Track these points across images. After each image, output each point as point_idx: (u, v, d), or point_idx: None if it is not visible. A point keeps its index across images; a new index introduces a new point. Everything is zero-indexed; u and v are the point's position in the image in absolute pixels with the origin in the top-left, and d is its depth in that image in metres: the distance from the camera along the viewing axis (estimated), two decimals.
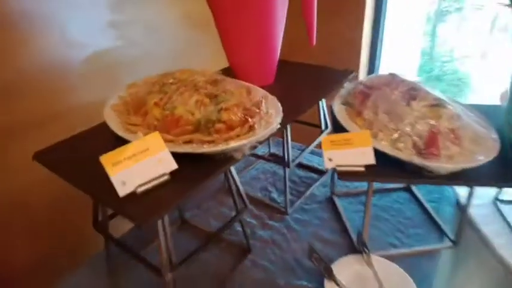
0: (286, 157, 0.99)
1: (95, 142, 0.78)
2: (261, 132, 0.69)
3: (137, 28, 1.30)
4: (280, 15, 0.98)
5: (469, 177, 0.77)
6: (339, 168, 0.81)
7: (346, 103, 1.00)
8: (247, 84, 0.88)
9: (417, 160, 0.76)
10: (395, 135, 0.84)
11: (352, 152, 0.82)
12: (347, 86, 1.05)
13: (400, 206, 1.12)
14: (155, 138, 0.65)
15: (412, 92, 0.87)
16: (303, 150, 1.08)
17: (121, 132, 0.72)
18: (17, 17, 0.98)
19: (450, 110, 0.83)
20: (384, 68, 1.87)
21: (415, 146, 0.81)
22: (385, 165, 0.79)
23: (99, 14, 1.17)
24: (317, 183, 1.21)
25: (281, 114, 0.76)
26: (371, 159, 0.80)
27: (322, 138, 0.84)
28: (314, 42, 1.07)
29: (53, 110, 1.11)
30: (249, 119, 0.69)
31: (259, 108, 0.74)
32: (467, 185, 0.91)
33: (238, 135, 0.68)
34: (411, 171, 0.78)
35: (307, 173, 1.28)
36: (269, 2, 0.92)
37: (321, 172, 1.26)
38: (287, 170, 1.03)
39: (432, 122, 0.81)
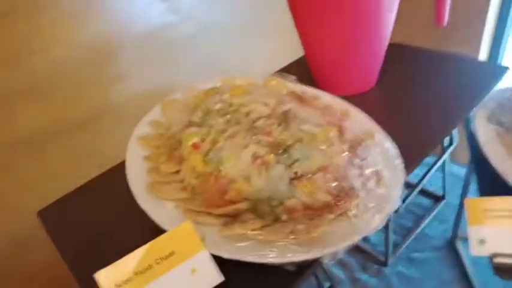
0: None
1: (111, 199, 0.59)
2: (365, 220, 0.42)
3: None
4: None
5: None
6: (497, 260, 0.51)
7: (498, 123, 0.66)
8: (336, 105, 0.59)
9: None
10: None
11: None
12: (497, 92, 0.69)
13: None
14: (186, 231, 0.42)
15: None
16: (414, 187, 0.77)
17: (142, 200, 0.50)
18: None
19: None
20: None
21: None
22: None
23: None
24: (430, 217, 0.90)
25: (402, 178, 0.47)
26: None
27: (467, 201, 0.53)
28: (445, 23, 0.70)
29: (94, 108, 0.95)
30: (343, 202, 0.42)
31: (363, 174, 0.45)
32: None
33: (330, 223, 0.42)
34: None
35: (417, 198, 0.96)
36: None
37: (436, 198, 0.94)
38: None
39: None
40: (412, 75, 0.77)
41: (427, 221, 0.89)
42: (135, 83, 1.03)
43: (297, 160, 0.45)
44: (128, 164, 0.55)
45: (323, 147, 0.47)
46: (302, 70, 0.78)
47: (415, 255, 0.83)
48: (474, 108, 0.67)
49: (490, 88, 0.71)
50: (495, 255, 0.50)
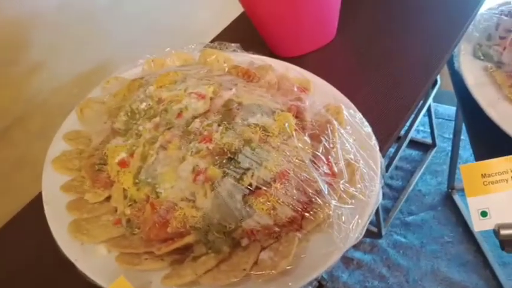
0: None
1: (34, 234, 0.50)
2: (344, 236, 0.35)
3: None
4: None
5: None
6: (504, 232, 0.45)
7: (485, 55, 0.59)
8: (292, 76, 0.50)
9: None
10: None
11: None
12: (482, 17, 0.62)
13: None
14: None
15: None
16: (402, 139, 0.71)
17: (66, 248, 0.41)
18: None
19: None
20: None
21: None
22: None
23: None
24: (421, 170, 0.85)
25: (380, 164, 0.40)
26: None
27: (462, 167, 0.46)
28: None
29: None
30: (312, 214, 0.35)
31: (332, 171, 0.38)
32: None
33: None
34: None
35: (404, 150, 0.90)
36: None
37: (426, 147, 0.88)
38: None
39: None
40: (376, 15, 0.68)
41: (418, 175, 0.84)
42: (58, 70, 0.91)
43: (247, 169, 0.37)
44: (45, 199, 0.46)
45: (278, 143, 0.38)
46: (250, 28, 0.68)
47: (411, 218, 0.78)
48: (460, 40, 0.60)
49: (472, 15, 0.63)
50: (501, 226, 0.45)
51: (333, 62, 0.63)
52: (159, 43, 1.03)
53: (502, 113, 0.51)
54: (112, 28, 0.96)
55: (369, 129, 0.42)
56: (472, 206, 0.44)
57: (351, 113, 0.44)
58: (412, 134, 0.84)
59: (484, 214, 0.45)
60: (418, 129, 0.95)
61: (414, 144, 0.91)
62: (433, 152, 0.88)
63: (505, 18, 0.58)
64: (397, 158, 0.76)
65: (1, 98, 0.84)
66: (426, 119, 0.89)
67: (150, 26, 1.03)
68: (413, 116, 0.79)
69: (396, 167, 0.87)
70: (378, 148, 0.41)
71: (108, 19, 0.93)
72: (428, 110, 0.83)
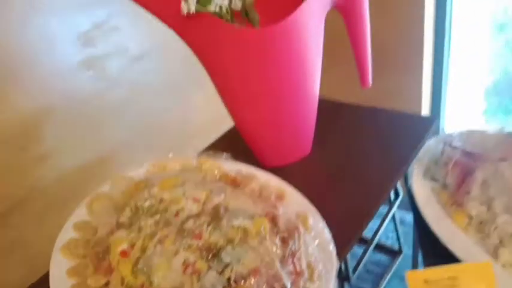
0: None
1: None
2: None
3: (116, 60, 1.06)
4: (314, 57, 0.70)
5: None
6: None
7: (433, 178, 0.71)
8: (271, 185, 0.62)
9: None
10: None
11: None
12: (430, 145, 0.75)
13: None
14: None
15: None
16: (369, 242, 0.81)
17: None
18: None
19: None
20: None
21: None
22: None
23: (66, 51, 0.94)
24: (389, 275, 0.93)
25: (335, 268, 0.49)
26: None
27: (408, 273, 0.56)
28: (370, 83, 0.77)
29: (15, 196, 0.92)
30: None
31: (296, 270, 0.47)
32: None
33: None
34: None
35: (374, 255, 1.00)
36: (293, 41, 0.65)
37: (393, 253, 0.98)
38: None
39: None
40: (348, 135, 0.82)
41: (386, 281, 0.92)
42: (62, 160, 1.01)
43: (228, 264, 0.46)
44: (52, 283, 0.54)
45: (255, 244, 0.48)
46: (238, 138, 0.82)
47: None
48: (413, 163, 0.72)
49: (422, 142, 0.77)
50: None
51: (308, 173, 0.76)
52: (157, 142, 1.16)
53: (445, 230, 0.61)
54: (114, 127, 1.10)
55: (329, 236, 0.52)
56: None
57: (316, 220, 0.54)
58: (380, 240, 0.94)
59: None
60: (388, 235, 1.05)
61: (383, 249, 1.00)
62: (399, 259, 0.97)
63: (448, 148, 0.72)
64: (364, 260, 0.84)
65: (7, 182, 0.92)
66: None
67: (148, 127, 1.17)
68: (379, 222, 0.90)
69: (367, 271, 0.95)
70: (335, 252, 0.51)
71: (111, 119, 1.06)
72: (394, 218, 0.94)
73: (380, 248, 1.01)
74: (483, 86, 1.84)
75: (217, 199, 0.55)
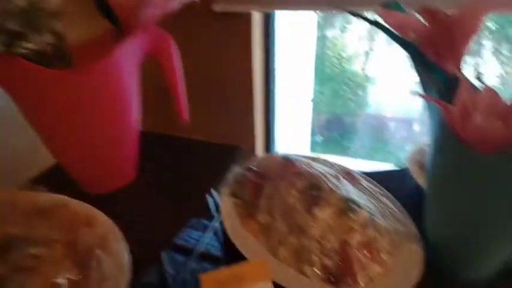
0: None
1: None
2: None
3: None
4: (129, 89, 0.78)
5: None
6: None
7: (235, 195, 0.84)
8: (82, 213, 0.66)
9: None
10: (300, 255, 0.71)
11: None
12: (235, 169, 0.89)
13: None
14: None
15: (314, 193, 0.74)
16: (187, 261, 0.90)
17: None
18: None
19: (361, 215, 0.72)
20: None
21: (324, 269, 0.69)
22: None
23: None
24: None
25: None
26: None
27: (201, 276, 0.66)
28: (187, 116, 0.88)
29: None
30: None
31: None
32: None
33: None
34: None
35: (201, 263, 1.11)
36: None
37: (217, 260, 1.10)
38: None
39: (343, 236, 0.70)
40: (168, 162, 0.92)
41: None
42: None
43: None
44: None
45: (48, 270, 0.52)
46: None
47: None
48: (222, 186, 0.84)
49: (229, 166, 0.90)
50: None
51: (130, 198, 0.82)
52: None
53: (240, 237, 0.74)
54: None
55: (127, 257, 0.59)
56: None
57: (118, 243, 0.61)
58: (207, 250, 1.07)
59: None
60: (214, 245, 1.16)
61: (208, 257, 1.12)
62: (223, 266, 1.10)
63: (246, 171, 0.86)
64: (188, 269, 0.92)
65: None
66: None
67: None
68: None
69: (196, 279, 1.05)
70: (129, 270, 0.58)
71: None
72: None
73: (205, 256, 1.12)
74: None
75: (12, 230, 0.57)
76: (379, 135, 2.58)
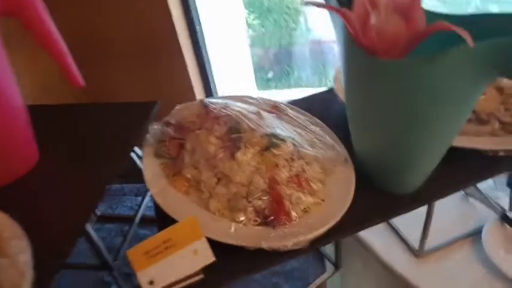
0: None
1: None
2: None
3: None
4: None
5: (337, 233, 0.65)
6: None
7: (159, 155, 0.78)
8: None
9: (267, 244, 0.62)
10: (231, 204, 0.68)
11: (179, 257, 0.62)
12: (154, 127, 0.82)
13: None
14: None
15: (234, 136, 0.69)
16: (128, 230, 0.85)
17: None
18: None
19: (286, 149, 0.68)
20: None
21: (258, 213, 0.67)
22: (233, 253, 0.62)
23: None
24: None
25: None
26: (209, 256, 0.62)
27: (128, 252, 0.61)
28: (82, 82, 0.78)
29: None
30: None
31: None
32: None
33: None
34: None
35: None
36: None
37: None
38: None
39: (270, 175, 0.66)
40: (72, 134, 0.84)
41: None
42: None
43: None
44: None
45: None
46: None
47: None
48: (143, 147, 0.78)
49: (145, 126, 0.83)
50: (166, 287, 0.60)
51: (37, 181, 0.75)
52: None
53: (169, 198, 0.69)
54: None
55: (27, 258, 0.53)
56: (141, 278, 0.59)
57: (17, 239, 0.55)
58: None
59: (151, 283, 0.60)
60: None
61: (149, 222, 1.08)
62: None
63: (165, 127, 0.79)
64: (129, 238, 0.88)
65: None
66: None
67: None
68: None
69: None
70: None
71: None
72: None
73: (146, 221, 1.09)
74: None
75: None
76: (327, 61, 2.54)
